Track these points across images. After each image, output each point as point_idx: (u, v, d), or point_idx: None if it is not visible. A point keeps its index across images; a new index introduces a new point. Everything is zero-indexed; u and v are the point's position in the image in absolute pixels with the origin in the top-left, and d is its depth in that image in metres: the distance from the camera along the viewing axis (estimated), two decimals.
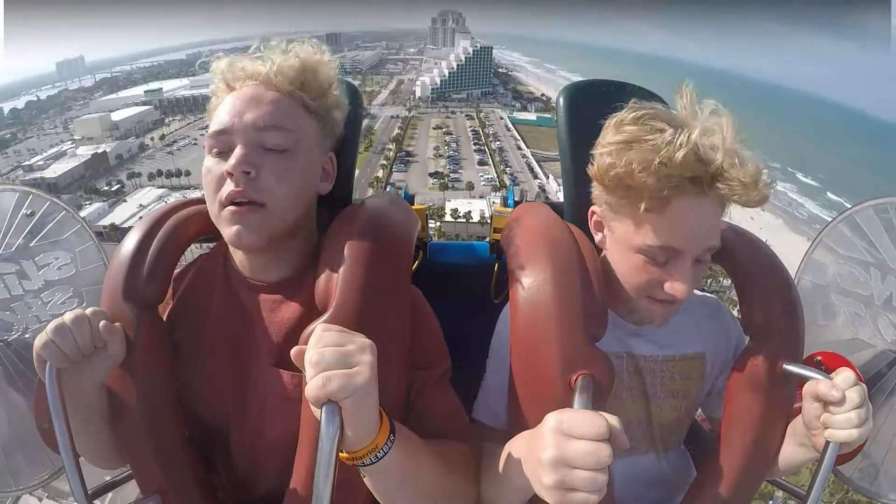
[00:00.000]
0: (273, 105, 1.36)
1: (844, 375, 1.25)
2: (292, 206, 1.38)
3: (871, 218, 1.78)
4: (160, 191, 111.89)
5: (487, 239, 2.28)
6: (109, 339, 1.27)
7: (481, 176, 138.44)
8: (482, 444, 1.45)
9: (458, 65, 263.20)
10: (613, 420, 1.01)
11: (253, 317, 1.44)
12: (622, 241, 1.40)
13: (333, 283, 1.28)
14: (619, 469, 1.24)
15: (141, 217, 1.50)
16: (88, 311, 1.27)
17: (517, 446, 1.22)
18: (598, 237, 1.51)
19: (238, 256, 1.47)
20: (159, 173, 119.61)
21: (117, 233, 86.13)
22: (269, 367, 1.42)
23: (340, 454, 1.04)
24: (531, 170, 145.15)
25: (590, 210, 1.50)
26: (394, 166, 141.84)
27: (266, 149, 1.33)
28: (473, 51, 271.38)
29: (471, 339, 1.65)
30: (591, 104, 1.80)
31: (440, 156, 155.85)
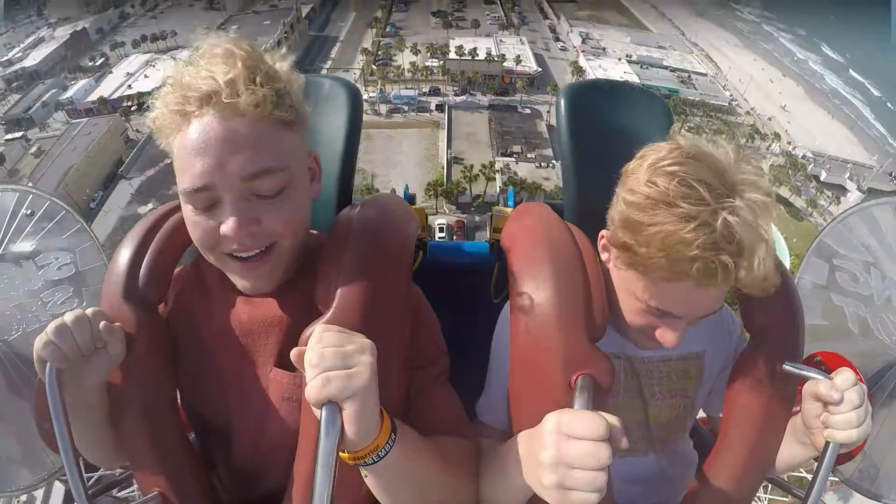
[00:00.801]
0: (254, 143, 1.17)
1: (844, 376, 1.25)
2: (299, 233, 1.34)
3: (872, 218, 1.79)
4: (146, 56, 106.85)
5: (487, 239, 2.28)
6: (109, 339, 1.27)
7: (487, 14, 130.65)
8: (482, 444, 1.46)
9: None
10: (613, 420, 1.01)
11: (253, 317, 1.44)
12: (624, 282, 1.38)
13: (333, 283, 1.28)
14: (618, 470, 1.26)
15: (140, 220, 1.48)
16: (89, 311, 1.26)
17: (517, 446, 1.22)
18: (603, 256, 1.47)
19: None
20: (143, 38, 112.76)
21: (107, 106, 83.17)
22: (270, 367, 1.41)
23: (342, 454, 1.04)
24: (541, 10, 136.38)
25: (600, 233, 1.45)
26: (394, 7, 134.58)
27: (259, 196, 1.21)
28: None
29: (471, 338, 1.65)
30: (591, 104, 1.80)
31: None
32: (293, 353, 1.04)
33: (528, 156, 70.73)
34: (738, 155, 1.23)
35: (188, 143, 1.16)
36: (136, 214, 57.67)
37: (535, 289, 1.34)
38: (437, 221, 55.56)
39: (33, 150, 72.79)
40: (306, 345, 1.05)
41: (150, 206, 57.94)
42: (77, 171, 63.27)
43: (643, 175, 1.24)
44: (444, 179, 65.55)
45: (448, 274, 2.14)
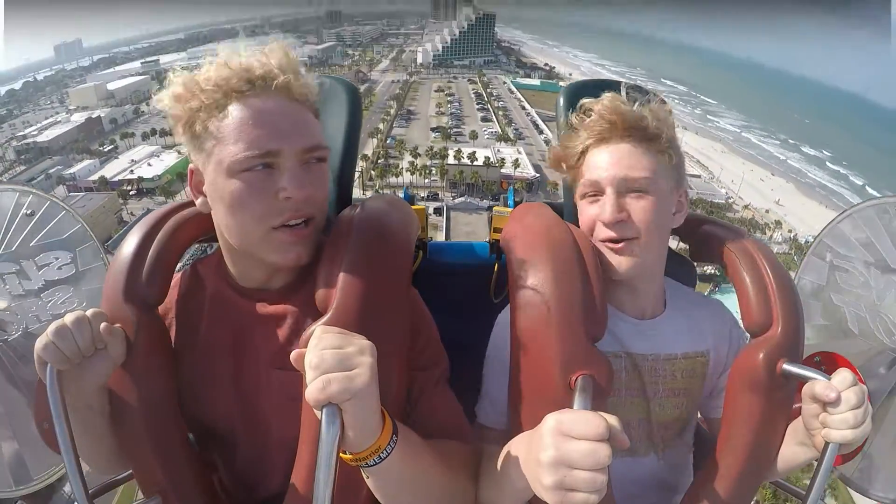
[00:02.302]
0: (308, 122, 1.34)
1: (843, 376, 1.25)
2: (323, 216, 1.41)
3: (871, 218, 1.78)
4: (153, 148, 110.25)
5: (488, 239, 2.27)
6: (110, 340, 1.27)
7: (485, 130, 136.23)
8: (482, 446, 1.46)
9: (460, 31, 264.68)
10: (613, 420, 1.01)
11: (254, 320, 1.44)
12: (576, 196, 1.62)
13: (333, 284, 1.28)
14: (618, 470, 1.27)
15: (140, 221, 1.49)
16: (89, 312, 1.26)
17: (516, 448, 1.22)
18: (580, 206, 1.62)
19: (237, 270, 1.46)
20: (153, 132, 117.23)
21: (107, 187, 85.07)
22: (270, 367, 1.42)
23: (344, 455, 1.05)
24: (536, 126, 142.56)
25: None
26: (395, 122, 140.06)
27: (309, 164, 1.32)
28: (476, 18, 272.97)
29: (470, 338, 1.64)
30: None
31: (442, 113, 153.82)
32: (293, 356, 1.04)
33: None
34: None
35: (246, 116, 1.25)
36: None
37: (534, 289, 1.34)
38: None
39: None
40: (306, 346, 1.05)
41: None
42: None
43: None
44: None
45: (448, 274, 2.15)
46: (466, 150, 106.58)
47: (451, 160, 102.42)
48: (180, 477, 1.41)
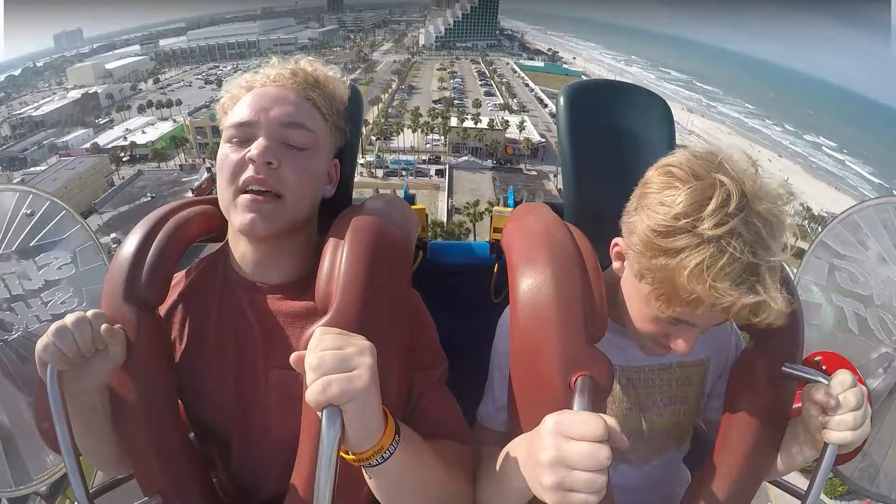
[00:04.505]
0: (296, 105, 1.42)
1: (842, 377, 1.25)
2: (304, 202, 1.43)
3: (871, 218, 1.78)
4: (148, 118, 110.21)
5: (487, 239, 2.27)
6: (110, 341, 1.27)
7: (488, 102, 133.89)
8: (481, 447, 1.46)
9: (463, 14, 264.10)
10: (612, 421, 1.01)
11: (255, 318, 1.45)
12: (638, 292, 1.37)
13: (334, 284, 1.29)
14: (613, 479, 1.27)
15: (140, 220, 1.50)
16: (89, 313, 1.27)
17: (515, 448, 1.22)
18: (615, 265, 1.45)
19: (239, 257, 1.48)
20: (149, 104, 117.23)
21: (99, 153, 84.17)
22: (271, 367, 1.42)
23: (347, 455, 1.06)
24: (540, 101, 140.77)
25: (613, 240, 1.44)
26: (397, 95, 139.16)
27: (287, 145, 1.39)
28: (479, 1, 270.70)
29: (471, 339, 1.65)
30: (591, 103, 1.80)
31: (444, 88, 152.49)
32: (293, 357, 1.04)
33: None
34: (755, 167, 1.24)
35: (246, 99, 1.42)
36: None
37: (534, 289, 1.33)
38: None
39: (17, 179, 71.52)
40: (306, 347, 1.05)
41: (113, 235, 58.31)
42: None
43: (682, 200, 1.19)
44: (446, 221, 61.87)
45: (448, 274, 2.15)
46: (470, 114, 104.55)
47: (453, 123, 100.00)
48: (180, 477, 1.41)
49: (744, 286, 1.13)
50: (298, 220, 1.44)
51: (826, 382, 1.26)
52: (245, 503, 1.53)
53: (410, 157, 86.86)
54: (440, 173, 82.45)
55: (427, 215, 2.23)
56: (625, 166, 1.70)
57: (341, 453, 1.02)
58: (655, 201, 1.24)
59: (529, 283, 1.35)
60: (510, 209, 2.09)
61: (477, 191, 75.40)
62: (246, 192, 1.35)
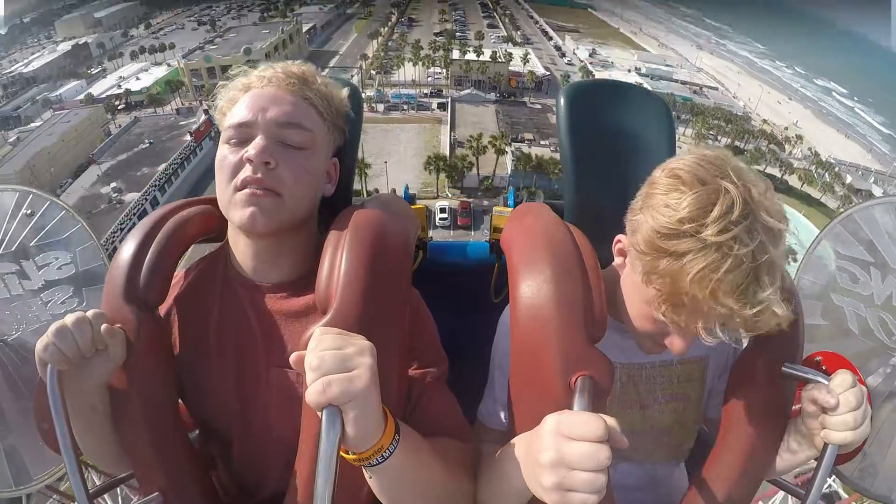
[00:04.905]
0: (293, 105, 1.43)
1: (842, 377, 1.25)
2: (303, 201, 1.43)
3: (871, 218, 1.78)
4: (141, 64, 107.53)
5: (487, 239, 2.28)
6: (110, 341, 1.27)
7: (491, 34, 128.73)
8: (481, 446, 1.46)
9: None
10: (612, 421, 1.01)
11: (255, 317, 1.45)
12: (638, 291, 1.37)
13: (334, 284, 1.28)
14: (613, 477, 1.27)
15: (138, 221, 1.50)
16: (90, 313, 1.27)
17: (515, 448, 1.21)
18: (617, 261, 1.46)
19: (240, 255, 1.48)
20: (142, 50, 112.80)
21: (94, 103, 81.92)
22: (272, 366, 1.42)
23: (347, 455, 1.06)
24: (545, 34, 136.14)
25: (617, 237, 1.45)
26: (396, 28, 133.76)
27: (284, 144, 1.39)
28: None
29: (470, 338, 1.65)
30: (591, 103, 1.80)
31: (446, 21, 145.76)
32: (293, 358, 1.04)
33: (542, 143, 67.16)
34: (759, 179, 1.22)
35: (244, 100, 1.43)
36: (98, 194, 56.62)
37: (534, 289, 1.33)
38: (438, 204, 50.87)
39: (12, 138, 70.92)
40: (306, 348, 1.05)
41: (113, 184, 56.56)
42: (47, 154, 61.08)
43: (687, 204, 1.19)
44: (448, 154, 59.86)
45: (448, 274, 2.15)
46: (472, 46, 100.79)
47: (455, 56, 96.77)
48: (180, 476, 1.42)
49: (744, 297, 1.13)
50: (298, 219, 1.44)
51: (826, 382, 1.25)
52: (245, 502, 1.53)
53: (412, 91, 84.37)
54: (442, 107, 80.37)
55: (427, 214, 2.24)
56: (625, 166, 1.70)
57: (341, 453, 1.02)
58: (661, 203, 1.23)
59: (529, 283, 1.35)
60: (510, 209, 2.09)
61: (480, 124, 73.53)
62: (245, 189, 1.35)
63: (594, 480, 0.97)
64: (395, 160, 62.82)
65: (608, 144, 1.77)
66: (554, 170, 53.77)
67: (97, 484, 1.50)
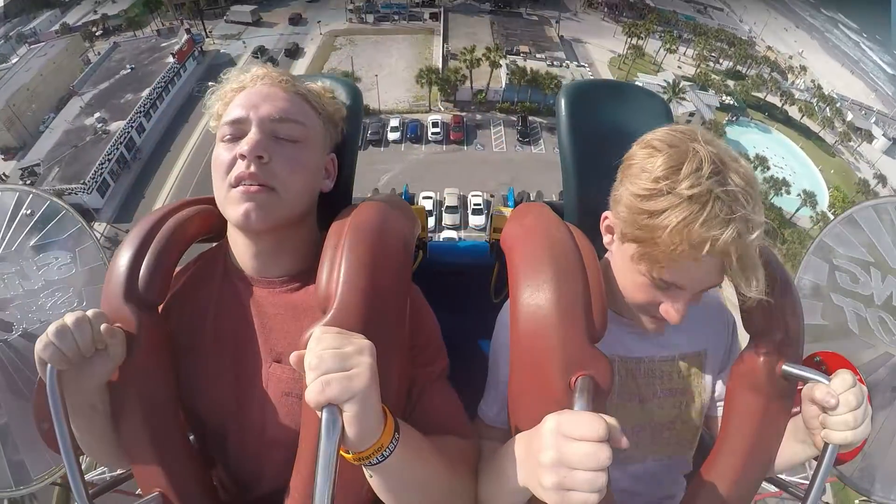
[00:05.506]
0: (286, 101, 1.44)
1: (842, 377, 1.25)
2: (300, 196, 1.43)
3: (871, 218, 1.79)
4: None
5: (487, 239, 2.28)
6: (110, 341, 1.27)
7: None
8: (482, 444, 1.46)
9: None
10: (612, 421, 1.01)
11: (254, 314, 1.45)
12: (629, 259, 1.38)
13: (334, 284, 1.28)
14: (613, 474, 1.27)
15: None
16: (90, 312, 1.27)
17: (515, 448, 1.21)
18: (606, 239, 1.49)
19: (239, 252, 1.48)
20: None
21: (70, 32, 77.24)
22: (270, 363, 1.42)
23: (347, 454, 1.05)
24: None
25: (603, 214, 1.48)
26: None
27: (278, 138, 1.39)
28: None
29: (470, 338, 1.65)
30: (591, 103, 1.80)
31: None
32: (292, 357, 1.04)
33: (538, 56, 61.96)
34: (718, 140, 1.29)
35: (239, 99, 1.44)
36: (82, 126, 53.56)
37: (534, 289, 1.33)
38: (431, 118, 48.93)
39: None
40: (305, 347, 1.05)
41: (97, 115, 54.29)
42: (27, 91, 57.95)
43: (661, 165, 1.26)
44: (441, 67, 56.89)
45: (448, 274, 2.15)
46: None
47: None
48: (180, 475, 1.42)
49: (723, 228, 1.16)
50: (295, 215, 1.43)
51: (826, 382, 1.25)
52: (243, 499, 1.53)
53: (402, 0, 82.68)
54: (435, 17, 76.50)
55: (427, 213, 2.24)
56: None
57: (341, 452, 1.02)
58: (637, 169, 1.30)
59: (530, 283, 1.35)
60: (510, 209, 2.09)
61: (474, 36, 69.72)
62: (239, 186, 1.35)
63: (594, 480, 0.97)
64: (387, 73, 59.90)
65: (608, 144, 1.76)
66: (550, 84, 51.15)
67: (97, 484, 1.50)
